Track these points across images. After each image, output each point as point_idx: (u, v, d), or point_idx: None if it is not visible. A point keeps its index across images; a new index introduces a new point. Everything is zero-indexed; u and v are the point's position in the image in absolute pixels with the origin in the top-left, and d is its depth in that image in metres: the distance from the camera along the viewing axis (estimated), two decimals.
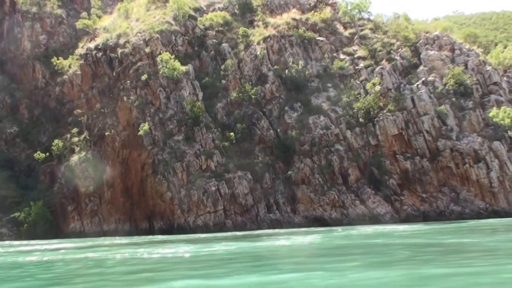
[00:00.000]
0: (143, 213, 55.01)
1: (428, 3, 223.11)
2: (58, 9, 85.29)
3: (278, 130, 54.56)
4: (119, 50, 61.80)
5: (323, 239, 28.74)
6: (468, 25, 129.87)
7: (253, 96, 55.92)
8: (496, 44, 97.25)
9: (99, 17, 79.29)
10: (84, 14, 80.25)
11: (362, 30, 61.55)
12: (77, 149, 62.01)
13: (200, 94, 57.70)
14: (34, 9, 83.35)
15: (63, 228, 58.87)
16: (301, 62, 57.47)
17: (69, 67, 71.25)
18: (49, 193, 62.07)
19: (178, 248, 26.78)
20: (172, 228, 50.63)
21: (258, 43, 60.41)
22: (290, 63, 57.84)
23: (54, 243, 39.54)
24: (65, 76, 71.02)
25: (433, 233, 30.11)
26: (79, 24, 75.92)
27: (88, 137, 61.52)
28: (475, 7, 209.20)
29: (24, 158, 69.81)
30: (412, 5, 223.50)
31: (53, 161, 64.38)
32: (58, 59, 71.54)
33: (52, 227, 58.85)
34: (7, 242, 49.13)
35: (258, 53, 59.24)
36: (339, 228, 41.00)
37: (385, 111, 51.13)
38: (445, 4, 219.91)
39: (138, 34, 62.04)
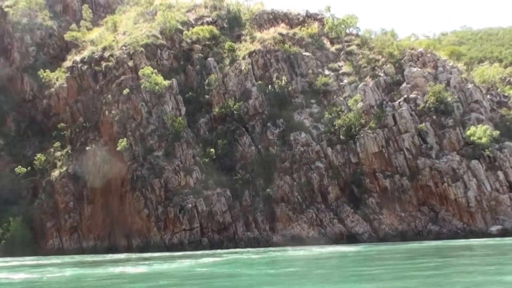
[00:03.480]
0: (122, 230, 56.93)
1: (436, 19, 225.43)
2: (49, 20, 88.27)
3: (260, 146, 56.58)
4: (103, 64, 64.46)
5: (186, 266, 29.44)
6: (475, 41, 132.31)
7: (235, 112, 58.07)
8: (501, 61, 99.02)
9: (89, 29, 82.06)
10: (73, 26, 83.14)
11: (349, 45, 63.73)
12: (59, 163, 64.35)
13: (183, 109, 59.97)
14: (25, 20, 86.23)
15: (42, 245, 60.82)
16: (284, 78, 59.64)
17: (57, 79, 73.89)
18: (30, 209, 64.22)
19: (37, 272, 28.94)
20: (149, 246, 52.59)
21: (243, 58, 62.72)
22: (274, 79, 60.05)
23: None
24: (52, 89, 73.49)
25: (298, 260, 31.48)
26: (67, 36, 78.75)
27: (70, 152, 63.86)
28: (483, 23, 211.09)
29: (8, 172, 71.71)
30: (420, 21, 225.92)
31: (36, 175, 66.71)
32: (45, 72, 74.30)
33: (31, 244, 60.68)
34: None
35: (243, 68, 61.54)
36: (272, 249, 43.31)
37: (366, 128, 53.02)
38: (453, 19, 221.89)
39: (123, 48, 64.71)
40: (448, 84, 54.66)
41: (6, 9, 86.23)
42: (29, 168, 65.94)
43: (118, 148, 55.58)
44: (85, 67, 67.36)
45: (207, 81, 61.42)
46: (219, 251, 45.79)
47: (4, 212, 64.05)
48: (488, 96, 55.76)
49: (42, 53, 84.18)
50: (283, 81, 59.34)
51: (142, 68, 59.90)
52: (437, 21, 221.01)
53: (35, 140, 74.51)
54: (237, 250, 46.11)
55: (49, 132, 71.18)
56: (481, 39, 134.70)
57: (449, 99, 52.37)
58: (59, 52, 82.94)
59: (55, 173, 62.90)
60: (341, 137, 53.71)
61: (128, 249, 54.43)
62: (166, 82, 59.41)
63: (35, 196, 65.48)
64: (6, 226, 60.99)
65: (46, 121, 74.75)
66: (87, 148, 60.48)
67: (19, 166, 65.89)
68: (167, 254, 44.16)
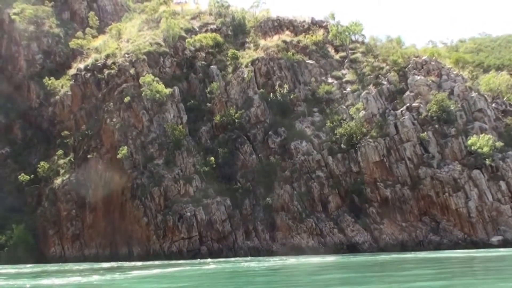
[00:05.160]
0: (123, 238, 58.20)
1: (455, 25, 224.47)
2: (56, 28, 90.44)
3: (261, 155, 57.53)
4: (106, 71, 66.08)
5: (116, 279, 30.05)
6: (493, 48, 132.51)
7: (236, 120, 59.16)
8: None
9: (94, 36, 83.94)
10: (79, 33, 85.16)
11: (353, 53, 64.52)
12: (62, 171, 66.04)
13: (185, 117, 61.22)
14: (32, 28, 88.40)
15: (44, 252, 62.43)
16: (286, 86, 60.61)
17: (62, 87, 75.77)
18: (33, 216, 65.97)
19: None
20: (148, 254, 53.80)
21: (246, 66, 63.84)
22: (277, 87, 61.03)
23: None
24: (57, 97, 75.37)
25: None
26: (72, 44, 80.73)
27: (73, 160, 65.53)
28: (502, 29, 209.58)
29: (13, 179, 73.58)
30: (438, 27, 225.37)
31: (40, 183, 68.50)
32: (50, 79, 76.25)
33: (33, 251, 62.30)
34: None
35: (245, 76, 62.65)
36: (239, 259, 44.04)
37: (367, 137, 53.73)
38: (472, 26, 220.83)
39: (125, 55, 66.27)
40: (452, 92, 55.14)
41: (13, 17, 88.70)
42: (32, 175, 67.80)
43: (119, 156, 56.96)
44: (89, 74, 68.90)
45: (208, 89, 62.65)
46: (202, 260, 46.71)
47: (8, 219, 65.85)
48: (493, 105, 56.09)
49: (49, 60, 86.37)
50: (285, 89, 60.30)
51: (144, 76, 61.30)
52: (455, 28, 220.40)
53: (40, 148, 76.51)
54: (221, 259, 47.02)
55: (54, 140, 73.19)
56: (500, 46, 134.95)
57: (452, 107, 52.88)
58: (65, 60, 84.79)
59: (58, 181, 64.54)
60: (342, 146, 54.45)
61: (129, 257, 55.56)
62: (168, 90, 60.71)
63: (39, 204, 67.22)
64: (9, 233, 62.64)
65: (51, 128, 76.90)
66: (88, 156, 61.95)
67: (22, 174, 67.77)
68: (149, 263, 45.25)
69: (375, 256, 43.08)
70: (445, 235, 48.64)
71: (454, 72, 57.60)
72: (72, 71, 74.07)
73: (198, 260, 46.35)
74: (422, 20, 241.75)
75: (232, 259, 47.39)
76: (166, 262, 45.83)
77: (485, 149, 48.58)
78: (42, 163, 67.79)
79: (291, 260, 40.47)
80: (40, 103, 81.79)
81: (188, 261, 45.59)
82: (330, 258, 41.97)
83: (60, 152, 67.63)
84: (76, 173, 63.71)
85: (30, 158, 75.42)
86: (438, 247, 47.69)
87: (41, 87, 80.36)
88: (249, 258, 47.79)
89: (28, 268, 46.71)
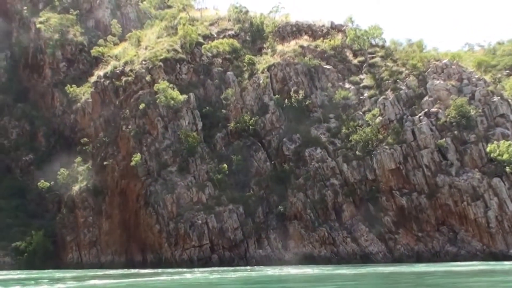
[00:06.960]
0: (138, 245, 58.52)
1: (493, 28, 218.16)
2: (80, 36, 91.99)
3: (275, 162, 56.91)
4: (124, 78, 66.68)
5: None
6: None
7: (251, 127, 58.71)
8: None
9: (116, 44, 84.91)
10: (100, 41, 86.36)
11: (372, 57, 63.25)
12: (80, 178, 66.93)
13: (200, 124, 61.15)
14: (56, 36, 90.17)
15: (62, 258, 63.37)
16: (301, 92, 59.76)
17: (83, 94, 76.91)
18: (53, 223, 67.20)
19: None
20: (161, 262, 53.81)
21: (262, 72, 63.38)
22: (292, 93, 60.28)
23: None
24: (78, 104, 76.59)
25: None
26: (94, 52, 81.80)
27: (90, 167, 66.35)
28: None
29: (36, 186, 74.98)
30: (476, 30, 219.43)
31: (60, 190, 69.65)
32: (71, 87, 77.48)
33: (52, 257, 63.35)
34: None
35: (261, 81, 62.19)
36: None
37: (384, 144, 52.49)
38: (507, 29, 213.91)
39: (143, 62, 66.73)
40: (472, 97, 53.45)
41: (38, 26, 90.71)
42: (52, 182, 68.99)
43: (132, 163, 57.33)
44: (107, 82, 69.69)
45: (223, 95, 62.42)
46: (188, 269, 46.41)
47: (30, 226, 67.36)
48: None
49: (72, 68, 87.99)
50: (300, 95, 59.49)
51: (159, 83, 61.54)
52: (494, 30, 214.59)
53: (62, 155, 77.79)
54: (217, 268, 46.83)
55: (75, 147, 74.22)
56: None
57: (472, 113, 51.18)
58: (88, 67, 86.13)
59: (76, 187, 65.46)
60: (358, 153, 53.36)
61: (143, 265, 55.75)
62: (183, 97, 60.79)
63: (59, 211, 68.42)
64: (29, 240, 63.82)
65: (73, 136, 78.46)
66: (105, 163, 62.57)
67: (42, 181, 69.06)
68: (138, 271, 45.47)
69: (384, 267, 41.86)
70: (462, 246, 47.08)
71: (476, 76, 55.87)
72: (93, 79, 75.08)
73: (176, 270, 46.05)
74: (460, 23, 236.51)
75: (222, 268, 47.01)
76: (160, 270, 45.80)
77: (505, 156, 46.81)
78: (62, 170, 68.90)
79: (295, 270, 39.65)
80: (63, 110, 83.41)
81: (179, 270, 45.36)
82: (309, 270, 40.83)
83: (79, 159, 68.61)
84: (94, 180, 64.48)
85: (53, 165, 76.68)
86: (455, 258, 46.15)
87: (64, 95, 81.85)
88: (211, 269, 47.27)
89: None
